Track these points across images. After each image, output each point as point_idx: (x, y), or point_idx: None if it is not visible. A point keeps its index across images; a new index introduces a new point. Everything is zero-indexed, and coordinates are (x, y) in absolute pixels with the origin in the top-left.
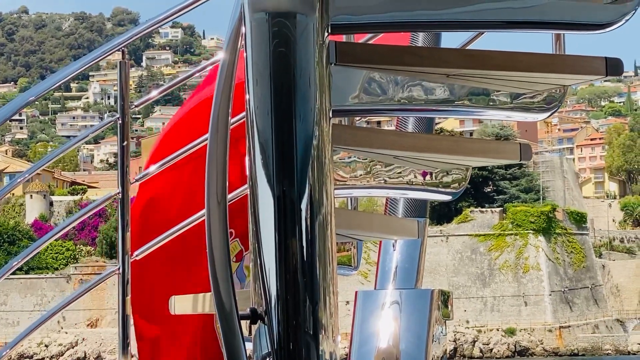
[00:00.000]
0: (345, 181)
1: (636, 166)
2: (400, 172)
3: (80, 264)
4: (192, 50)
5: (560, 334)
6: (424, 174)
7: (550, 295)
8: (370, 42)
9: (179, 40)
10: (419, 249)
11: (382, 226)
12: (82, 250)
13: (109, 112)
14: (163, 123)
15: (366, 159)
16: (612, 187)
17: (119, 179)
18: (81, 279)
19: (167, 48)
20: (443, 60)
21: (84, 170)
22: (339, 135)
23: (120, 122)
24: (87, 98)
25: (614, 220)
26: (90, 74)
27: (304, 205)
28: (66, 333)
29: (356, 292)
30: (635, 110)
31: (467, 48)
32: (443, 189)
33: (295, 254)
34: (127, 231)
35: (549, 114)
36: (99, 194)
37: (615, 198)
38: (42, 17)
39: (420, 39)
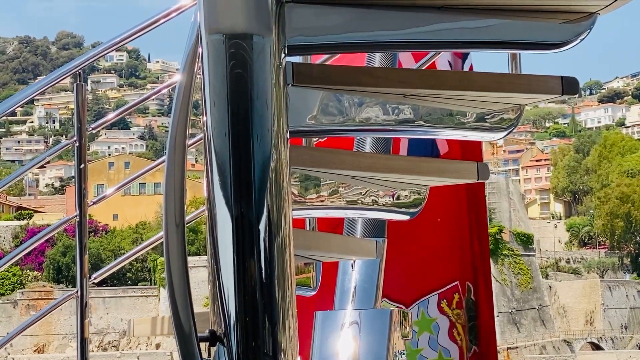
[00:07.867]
0: (304, 201)
1: (581, 187)
2: (360, 193)
3: (27, 289)
4: (137, 73)
5: (508, 355)
6: (392, 195)
7: (497, 316)
8: (327, 62)
9: (124, 64)
10: (377, 269)
11: (341, 247)
12: (28, 275)
13: (54, 136)
14: (109, 147)
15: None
16: (558, 208)
17: (76, 202)
18: (28, 304)
19: (112, 71)
20: (399, 80)
21: (30, 194)
22: (297, 156)
23: (77, 144)
24: (32, 122)
25: (559, 241)
26: (35, 97)
27: (262, 226)
28: (13, 359)
29: (315, 313)
30: (580, 131)
31: (423, 68)
32: (401, 209)
33: (254, 275)
34: (85, 254)
35: (505, 133)
36: (46, 219)
37: (560, 219)
38: None
39: (377, 59)
